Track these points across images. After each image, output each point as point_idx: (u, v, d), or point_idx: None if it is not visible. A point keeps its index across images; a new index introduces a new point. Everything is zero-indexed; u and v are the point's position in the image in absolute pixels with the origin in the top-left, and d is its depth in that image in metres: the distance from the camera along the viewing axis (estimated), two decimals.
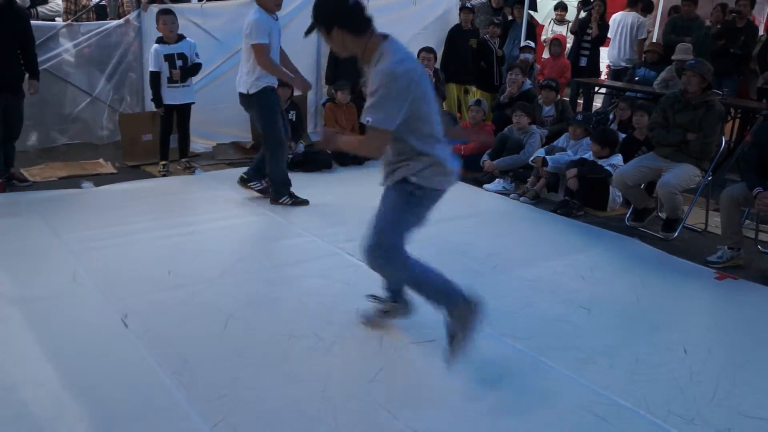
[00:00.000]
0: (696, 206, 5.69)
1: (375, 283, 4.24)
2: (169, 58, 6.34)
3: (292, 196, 5.76)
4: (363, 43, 2.93)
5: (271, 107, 5.49)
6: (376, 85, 2.84)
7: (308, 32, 3.00)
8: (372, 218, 3.21)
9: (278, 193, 5.73)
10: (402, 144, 3.02)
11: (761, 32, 9.56)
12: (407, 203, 3.11)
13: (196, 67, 6.56)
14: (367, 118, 2.88)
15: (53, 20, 7.61)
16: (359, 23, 2.90)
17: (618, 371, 3.36)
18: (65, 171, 6.40)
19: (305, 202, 5.77)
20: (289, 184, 5.77)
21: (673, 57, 7.87)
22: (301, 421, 2.84)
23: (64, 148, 7.05)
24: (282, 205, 5.69)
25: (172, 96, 6.44)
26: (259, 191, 5.86)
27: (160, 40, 6.37)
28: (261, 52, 5.24)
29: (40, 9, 7.65)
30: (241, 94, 5.49)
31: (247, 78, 5.40)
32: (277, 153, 5.60)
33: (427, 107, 2.97)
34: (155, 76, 6.38)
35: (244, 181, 5.91)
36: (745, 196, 4.75)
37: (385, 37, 2.95)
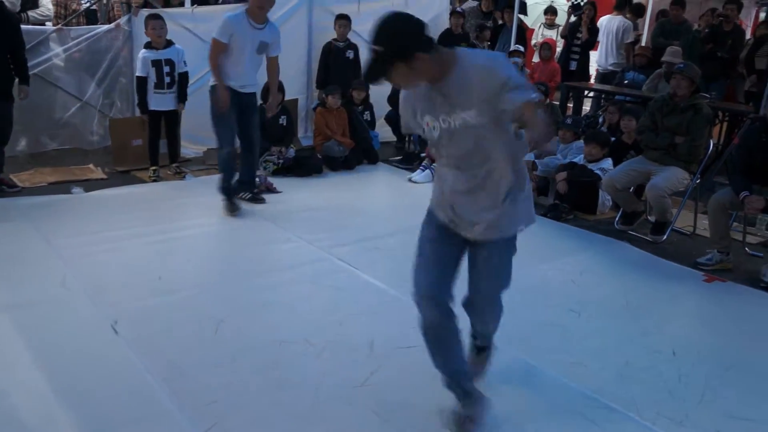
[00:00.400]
0: (685, 209, 5.73)
1: (366, 288, 4.26)
2: (157, 64, 6.33)
3: (229, 197, 5.72)
4: (438, 59, 2.45)
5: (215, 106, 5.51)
6: (503, 74, 2.39)
7: (374, 79, 2.49)
8: (482, 279, 2.86)
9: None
10: (513, 165, 2.61)
11: (748, 36, 9.63)
12: (511, 255, 2.86)
13: (184, 78, 6.57)
14: (531, 95, 2.35)
15: (43, 25, 7.59)
16: (431, 39, 2.45)
17: (608, 374, 3.38)
18: (55, 176, 6.37)
19: (235, 209, 5.66)
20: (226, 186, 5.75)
21: (662, 59, 7.93)
22: (293, 426, 2.84)
23: (53, 153, 7.03)
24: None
25: (159, 102, 6.43)
26: (249, 200, 5.90)
27: (148, 45, 6.37)
28: (213, 46, 5.37)
29: (31, 13, 7.61)
30: None
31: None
32: (220, 151, 5.64)
33: None
34: (142, 82, 6.37)
35: (234, 192, 5.93)
36: (732, 201, 4.79)
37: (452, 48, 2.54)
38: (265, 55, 5.63)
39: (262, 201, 5.98)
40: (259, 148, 6.04)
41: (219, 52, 5.34)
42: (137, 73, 6.42)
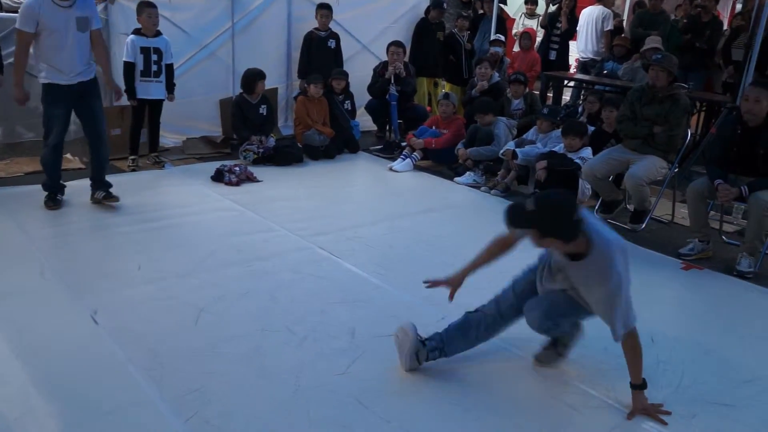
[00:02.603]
0: (663, 198, 5.78)
1: (347, 276, 4.27)
2: (145, 51, 6.27)
3: (52, 194, 5.35)
4: (572, 245, 2.87)
5: (47, 103, 5.14)
6: (615, 287, 2.89)
7: (516, 224, 2.96)
8: None
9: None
10: None
11: (725, 27, 9.72)
12: None
13: (171, 69, 6.55)
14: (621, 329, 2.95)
15: (17, 12, 7.47)
16: (573, 233, 2.83)
17: (587, 361, 3.41)
18: (31, 166, 6.29)
19: (55, 205, 5.29)
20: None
21: (642, 49, 8.00)
22: (274, 414, 2.84)
23: (30, 143, 6.93)
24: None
25: (146, 90, 6.35)
26: (104, 199, 5.39)
27: (137, 32, 6.29)
28: (19, 40, 4.92)
29: (4, 0, 7.51)
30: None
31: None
32: (45, 145, 5.25)
33: None
34: (129, 67, 6.27)
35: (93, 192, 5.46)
36: (710, 189, 4.84)
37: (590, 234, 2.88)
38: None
39: (116, 200, 5.36)
40: (106, 140, 5.45)
41: (26, 44, 4.92)
42: (125, 58, 6.31)
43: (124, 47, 6.33)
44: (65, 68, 5.03)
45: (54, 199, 5.32)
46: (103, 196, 5.37)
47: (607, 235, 2.92)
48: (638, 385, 3.01)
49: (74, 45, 5.02)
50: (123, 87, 6.27)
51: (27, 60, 5.05)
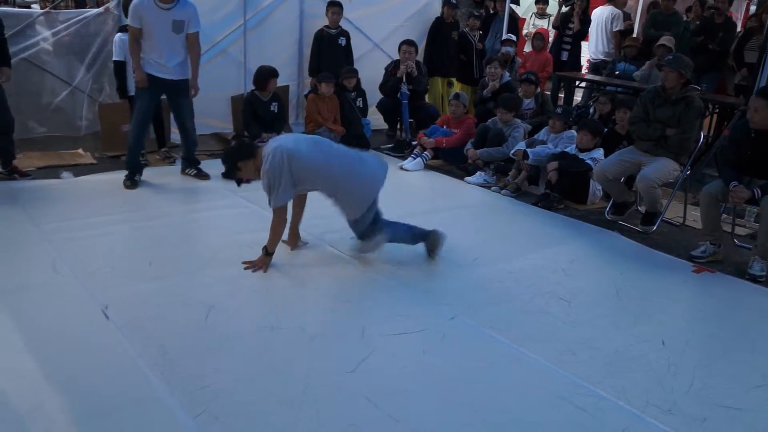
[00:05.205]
0: (674, 200, 5.75)
1: (357, 274, 4.26)
2: None
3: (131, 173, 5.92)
4: (256, 159, 4.17)
5: (137, 89, 5.79)
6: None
7: (228, 176, 4.31)
8: None
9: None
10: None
11: (739, 29, 9.65)
12: None
13: None
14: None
15: (29, 7, 7.51)
16: (251, 150, 4.23)
17: (597, 363, 3.40)
18: (43, 161, 6.32)
19: (133, 185, 5.84)
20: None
21: (655, 45, 7.99)
22: (283, 412, 2.84)
23: (42, 138, 6.97)
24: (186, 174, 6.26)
25: None
26: (195, 176, 6.28)
27: (123, 29, 6.28)
28: (129, 33, 5.63)
29: None
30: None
31: None
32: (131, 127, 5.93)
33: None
34: (120, 66, 6.33)
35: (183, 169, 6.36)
36: (723, 192, 4.81)
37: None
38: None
39: (206, 177, 6.18)
40: (193, 131, 6.22)
41: (134, 36, 5.58)
42: (114, 57, 6.38)
43: (113, 46, 6.44)
44: (155, 66, 5.65)
45: (132, 179, 5.83)
46: (195, 173, 6.26)
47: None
48: (269, 253, 4.24)
49: (166, 45, 5.61)
50: (116, 85, 6.60)
51: (138, 50, 5.64)
